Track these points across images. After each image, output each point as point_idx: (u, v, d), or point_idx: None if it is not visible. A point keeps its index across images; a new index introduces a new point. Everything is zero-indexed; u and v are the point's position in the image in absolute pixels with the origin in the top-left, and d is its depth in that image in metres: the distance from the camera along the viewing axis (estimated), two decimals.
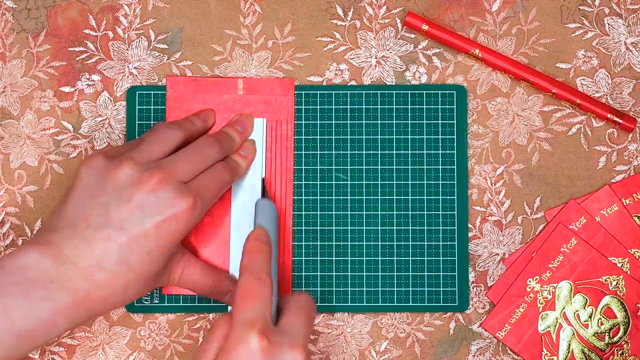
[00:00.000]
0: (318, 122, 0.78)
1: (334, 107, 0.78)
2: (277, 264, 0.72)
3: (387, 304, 0.77)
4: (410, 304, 0.77)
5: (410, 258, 0.77)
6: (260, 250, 0.69)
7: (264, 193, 0.76)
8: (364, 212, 0.77)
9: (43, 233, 0.67)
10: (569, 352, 0.77)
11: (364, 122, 0.78)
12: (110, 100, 0.78)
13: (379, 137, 0.78)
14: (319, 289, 0.77)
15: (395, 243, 0.77)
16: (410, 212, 0.77)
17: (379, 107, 0.78)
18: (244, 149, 0.76)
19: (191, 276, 0.73)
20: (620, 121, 0.77)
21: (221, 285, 0.74)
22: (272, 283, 0.67)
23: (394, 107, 0.78)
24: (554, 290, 0.77)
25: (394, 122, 0.78)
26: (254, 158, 0.76)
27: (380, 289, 0.77)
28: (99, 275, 0.66)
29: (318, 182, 0.77)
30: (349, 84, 0.78)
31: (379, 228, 0.77)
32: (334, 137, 0.78)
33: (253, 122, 0.77)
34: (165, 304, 0.77)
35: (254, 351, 0.63)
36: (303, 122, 0.78)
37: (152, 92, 0.78)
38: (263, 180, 0.76)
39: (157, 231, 0.67)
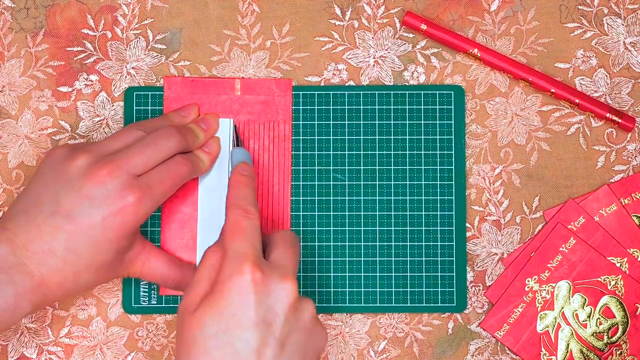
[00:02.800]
0: (316, 122, 0.78)
1: (331, 107, 0.78)
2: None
3: (386, 305, 0.77)
4: (409, 304, 0.77)
5: (409, 258, 0.77)
6: (245, 183, 0.71)
7: (238, 142, 0.77)
8: (362, 213, 0.77)
9: (1, 220, 0.69)
10: (567, 351, 0.76)
11: (362, 122, 0.78)
12: (108, 101, 0.78)
13: (377, 137, 0.78)
14: (317, 289, 0.77)
15: (393, 243, 0.77)
16: (408, 213, 0.77)
17: (376, 107, 0.78)
18: (208, 145, 0.76)
19: (153, 268, 0.73)
20: (619, 120, 0.77)
21: (186, 278, 0.74)
22: (258, 215, 0.69)
23: (392, 107, 0.78)
24: (552, 290, 0.77)
25: (392, 122, 0.78)
26: (217, 155, 0.76)
27: (378, 289, 0.77)
28: (50, 261, 0.67)
29: (316, 183, 0.77)
30: (347, 84, 0.78)
31: (377, 228, 0.77)
32: (331, 137, 0.78)
33: (218, 121, 0.77)
34: (163, 305, 0.77)
35: (248, 282, 0.65)
36: (301, 122, 0.78)
37: (149, 92, 0.78)
38: (235, 127, 0.77)
39: (103, 222, 0.68)
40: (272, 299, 0.65)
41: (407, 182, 0.77)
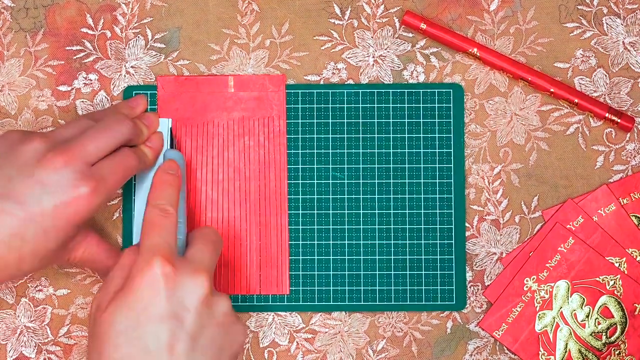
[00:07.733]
0: (315, 121, 0.78)
1: (330, 106, 0.78)
2: (185, 199, 0.74)
3: (385, 303, 0.77)
4: (408, 303, 0.77)
5: (408, 257, 0.77)
6: (167, 182, 0.71)
7: (172, 144, 0.77)
8: (361, 211, 0.77)
9: None
10: (565, 351, 0.76)
11: (361, 121, 0.78)
12: (107, 100, 0.78)
13: (376, 136, 0.78)
14: (316, 288, 0.77)
15: (392, 242, 0.77)
16: (407, 211, 0.77)
17: (376, 106, 0.78)
18: (151, 140, 0.75)
19: (92, 256, 0.73)
20: (618, 120, 0.77)
21: None
22: (177, 215, 0.69)
23: (391, 106, 0.78)
24: (551, 289, 0.77)
25: (391, 121, 0.78)
26: (160, 150, 0.76)
27: (377, 288, 0.77)
28: None
29: (315, 181, 0.77)
30: (346, 83, 0.78)
31: (376, 227, 0.77)
32: (331, 136, 0.78)
33: (158, 120, 0.77)
34: None
35: (157, 275, 0.65)
36: (300, 121, 0.78)
37: (148, 91, 0.78)
38: (170, 129, 0.77)
39: (55, 211, 0.66)
40: (183, 293, 0.65)
41: (406, 181, 0.78)
